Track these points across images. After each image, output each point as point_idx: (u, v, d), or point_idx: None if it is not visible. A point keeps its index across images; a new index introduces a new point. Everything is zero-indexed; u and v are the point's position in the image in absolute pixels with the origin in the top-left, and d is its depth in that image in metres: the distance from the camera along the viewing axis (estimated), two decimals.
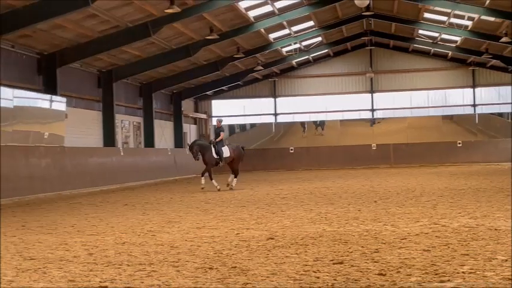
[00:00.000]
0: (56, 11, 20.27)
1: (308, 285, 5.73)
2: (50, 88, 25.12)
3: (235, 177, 22.02)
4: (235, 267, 6.77)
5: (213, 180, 21.16)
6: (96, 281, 6.28)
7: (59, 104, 25.40)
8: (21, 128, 22.87)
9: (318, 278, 6.05)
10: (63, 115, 25.67)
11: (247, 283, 5.92)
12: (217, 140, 21.95)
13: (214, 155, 21.43)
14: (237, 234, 9.61)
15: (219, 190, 20.68)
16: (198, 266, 6.92)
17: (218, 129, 22.60)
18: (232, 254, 7.66)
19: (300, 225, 10.50)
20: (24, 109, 23.18)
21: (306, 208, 13.57)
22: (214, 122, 45.27)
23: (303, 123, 44.74)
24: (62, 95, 25.61)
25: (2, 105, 21.85)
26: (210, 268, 6.76)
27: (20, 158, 21.16)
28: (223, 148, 21.65)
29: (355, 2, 26.68)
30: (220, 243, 8.69)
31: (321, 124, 44.54)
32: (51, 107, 25.01)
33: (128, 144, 34.33)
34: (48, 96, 24.78)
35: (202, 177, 21.57)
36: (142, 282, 6.15)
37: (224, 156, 21.58)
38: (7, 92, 22.25)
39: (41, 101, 24.46)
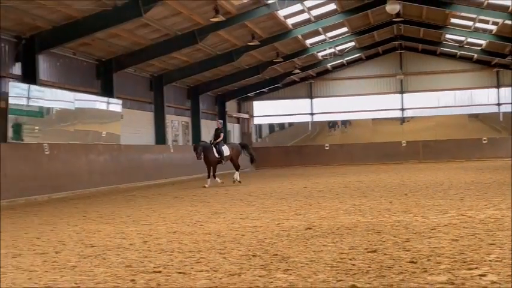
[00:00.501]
0: (112, 21, 20.52)
1: (344, 272, 5.69)
2: (107, 91, 25.46)
3: (237, 170, 22.14)
4: (276, 254, 6.77)
5: (217, 178, 21.45)
6: (151, 267, 6.34)
7: (115, 105, 25.72)
8: (82, 127, 23.25)
9: (354, 265, 6.01)
10: (119, 116, 25.99)
11: (288, 269, 5.91)
12: (217, 140, 21.71)
13: (216, 155, 21.42)
14: (278, 224, 9.60)
15: (222, 182, 21.44)
16: (242, 254, 6.93)
17: (218, 131, 22.14)
18: (274, 243, 7.65)
19: (336, 216, 10.44)
20: (84, 110, 23.54)
21: (341, 200, 13.49)
22: (255, 121, 45.53)
23: (330, 122, 44.51)
24: (117, 98, 25.94)
25: (65, 107, 22.22)
26: (253, 255, 6.77)
27: (80, 155, 21.50)
28: (223, 147, 21.71)
29: (386, 9, 26.41)
30: (263, 232, 8.68)
31: (344, 123, 44.35)
32: (108, 108, 25.34)
33: (177, 142, 34.57)
34: (105, 99, 25.11)
35: (209, 179, 21.32)
36: (192, 268, 6.19)
37: (225, 154, 21.66)
38: (69, 95, 22.63)
39: (99, 103, 24.80)
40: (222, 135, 22.01)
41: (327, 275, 5.61)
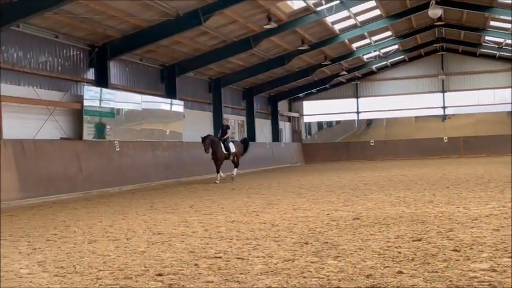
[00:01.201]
0: (175, 29, 20.78)
1: (391, 259, 5.61)
2: (170, 93, 25.82)
3: (236, 167, 21.61)
4: (327, 242, 6.73)
5: (220, 173, 20.40)
6: (212, 253, 6.39)
7: (178, 106, 26.05)
8: (148, 126, 23.64)
9: (400, 252, 5.92)
10: (181, 115, 26.32)
11: (338, 256, 5.87)
12: (224, 137, 20.66)
13: (224, 151, 20.43)
14: (327, 214, 9.54)
15: (219, 181, 20.00)
16: (295, 241, 6.92)
17: (225, 127, 21.01)
18: (324, 232, 7.61)
19: (382, 207, 10.31)
20: (150, 111, 23.93)
21: (386, 193, 13.30)
22: (305, 119, 45.38)
23: (367, 121, 44.00)
24: (180, 99, 26.27)
25: (133, 108, 22.64)
26: (305, 243, 6.75)
27: (147, 151, 21.86)
28: (229, 144, 20.87)
29: (429, 13, 25.86)
30: (313, 222, 8.65)
31: (369, 123, 43.81)
32: (171, 109, 25.68)
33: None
34: (169, 100, 25.47)
35: (218, 174, 20.38)
36: (250, 254, 6.21)
37: (231, 151, 20.83)
38: (137, 97, 23.04)
39: (163, 104, 25.17)
40: (229, 131, 21.21)
41: (374, 261, 5.55)
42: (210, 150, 19.82)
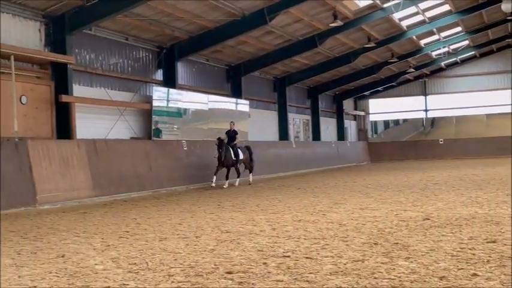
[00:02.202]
0: (241, 29, 20.94)
1: (465, 261, 5.46)
2: (236, 93, 26.06)
3: (251, 172, 20.22)
4: (397, 243, 6.62)
5: (227, 182, 18.63)
6: (280, 252, 6.40)
7: (243, 105, 26.25)
8: (214, 126, 23.92)
9: (474, 254, 5.75)
10: (246, 115, 26.51)
11: (409, 257, 5.76)
12: (234, 142, 19.09)
13: (233, 156, 18.87)
14: (396, 215, 9.38)
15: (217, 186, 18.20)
16: (364, 241, 6.84)
17: (233, 132, 19.22)
18: (394, 232, 7.48)
19: (453, 207, 10.04)
20: (216, 111, 24.21)
21: (457, 193, 12.95)
22: (371, 118, 44.71)
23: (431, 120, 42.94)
24: (245, 99, 26.46)
25: (199, 108, 22.96)
26: (375, 243, 6.66)
27: (213, 150, 22.07)
28: (238, 150, 19.23)
29: (502, 7, 24.97)
30: (382, 222, 8.52)
31: (432, 122, 42.66)
32: (237, 108, 25.90)
33: (298, 138, 34.71)
34: (234, 100, 25.70)
35: (227, 181, 18.69)
36: (318, 254, 6.18)
37: (240, 158, 19.24)
38: (203, 97, 23.37)
39: (229, 103, 25.41)
40: (237, 137, 19.42)
41: (447, 263, 5.41)
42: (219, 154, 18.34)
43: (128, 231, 8.69)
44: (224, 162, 18.52)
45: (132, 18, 18.29)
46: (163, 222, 9.76)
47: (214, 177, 18.24)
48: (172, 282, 5.16)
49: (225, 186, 18.18)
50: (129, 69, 20.05)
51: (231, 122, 19.73)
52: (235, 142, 19.15)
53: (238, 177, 19.39)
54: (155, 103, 20.12)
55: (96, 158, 15.60)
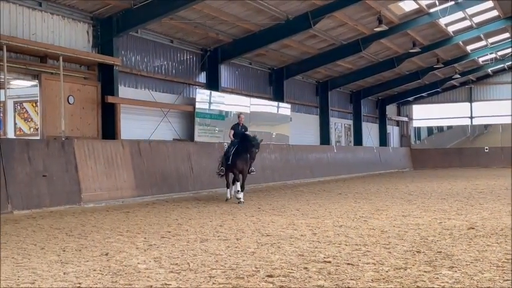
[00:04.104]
0: (284, 33, 20.93)
1: (510, 272, 5.34)
2: (278, 96, 26.09)
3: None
4: (440, 252, 6.52)
5: (229, 190, 14.92)
6: (321, 257, 6.38)
7: (285, 109, 26.24)
8: (255, 129, 23.89)
9: None
10: (288, 118, 26.49)
11: (453, 266, 5.67)
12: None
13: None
14: (440, 223, 9.23)
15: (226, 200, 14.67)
16: (406, 249, 6.75)
17: (243, 128, 14.75)
18: (437, 241, 7.37)
19: (499, 217, 9.82)
20: (258, 114, 24.26)
21: (503, 202, 12.65)
22: (414, 124, 43.88)
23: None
24: (287, 102, 26.46)
25: (242, 110, 23.05)
26: (417, 251, 6.57)
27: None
28: None
29: None
30: (425, 230, 8.40)
31: (486, 127, 41.63)
32: (278, 111, 25.91)
33: (340, 143, 34.49)
34: (276, 103, 25.72)
35: (229, 188, 14.94)
36: (360, 260, 6.14)
37: None
38: (246, 100, 23.47)
39: (270, 107, 25.44)
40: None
41: (492, 274, 5.30)
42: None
43: (169, 232, 8.80)
44: (240, 167, 14.19)
45: (178, 21, 18.52)
46: (204, 223, 9.84)
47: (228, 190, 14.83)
48: (214, 283, 5.20)
49: (241, 199, 13.86)
50: (173, 71, 20.29)
51: (240, 114, 15.55)
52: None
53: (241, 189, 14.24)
54: (198, 105, 20.31)
55: (139, 159, 15.84)
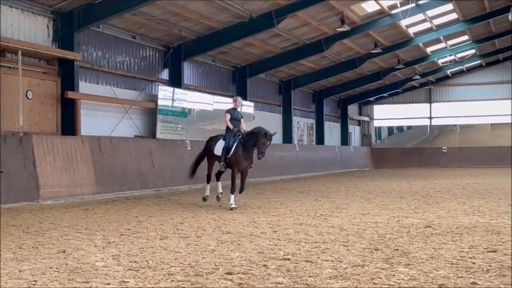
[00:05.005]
0: (248, 31, 20.94)
1: (465, 270, 5.46)
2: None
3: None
4: (397, 249, 6.63)
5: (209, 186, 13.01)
6: (281, 254, 6.41)
7: (248, 107, 26.24)
8: (219, 126, 23.88)
9: (474, 263, 5.76)
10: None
11: (409, 264, 5.77)
12: (244, 129, 12.37)
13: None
14: (398, 221, 9.38)
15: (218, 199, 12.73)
16: (364, 247, 6.84)
17: (239, 114, 12.72)
18: (395, 238, 7.49)
19: (455, 216, 10.04)
20: (221, 111, 24.14)
21: (460, 201, 12.94)
22: (375, 124, 44.45)
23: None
24: (250, 100, 26.47)
25: (204, 108, 22.98)
26: (375, 249, 6.67)
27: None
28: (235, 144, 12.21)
29: (509, 17, 24.91)
30: (383, 228, 8.53)
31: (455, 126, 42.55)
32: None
33: (302, 142, 34.69)
34: None
35: (210, 184, 13.03)
36: (319, 257, 6.19)
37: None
38: (209, 97, 23.39)
39: None
40: (243, 122, 12.67)
41: (447, 271, 5.42)
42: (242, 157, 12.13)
43: (129, 229, 8.71)
44: (245, 164, 12.18)
45: (140, 17, 18.34)
46: (164, 221, 9.78)
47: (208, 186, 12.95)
48: (172, 281, 5.17)
49: (233, 206, 11.77)
50: (136, 67, 20.09)
51: (236, 98, 13.05)
52: (240, 129, 12.36)
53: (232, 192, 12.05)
54: (160, 102, 20.16)
55: (99, 155, 15.63)
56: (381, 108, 44.64)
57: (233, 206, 11.70)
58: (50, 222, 9.73)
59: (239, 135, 12.18)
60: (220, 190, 12.71)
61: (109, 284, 5.11)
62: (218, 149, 12.44)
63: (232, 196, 11.84)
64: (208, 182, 12.96)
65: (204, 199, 12.87)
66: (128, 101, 19.31)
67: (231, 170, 12.22)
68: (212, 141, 12.90)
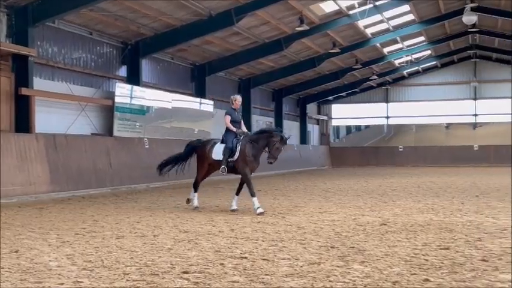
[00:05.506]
0: (207, 29, 20.82)
1: (418, 266, 5.58)
2: (200, 93, 25.96)
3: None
4: (353, 247, 6.71)
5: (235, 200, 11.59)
6: (238, 253, 6.42)
7: (207, 105, 26.17)
8: (177, 125, 23.78)
9: (427, 260, 5.88)
10: (210, 115, 26.44)
11: (364, 261, 5.85)
12: (240, 131, 11.45)
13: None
14: (354, 219, 9.51)
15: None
16: (321, 245, 6.91)
17: (240, 114, 11.90)
18: (351, 236, 7.58)
19: (410, 214, 10.23)
20: (180, 109, 24.06)
21: (415, 199, 13.19)
22: (333, 122, 44.85)
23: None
24: (209, 98, 26.39)
25: (163, 106, 22.79)
26: (331, 247, 6.74)
27: (175, 149, 21.91)
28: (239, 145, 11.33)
29: (463, 20, 25.52)
30: (340, 226, 8.63)
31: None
32: (200, 108, 25.80)
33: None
34: (198, 99, 25.60)
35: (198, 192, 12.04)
36: (275, 255, 6.23)
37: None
38: (167, 95, 23.21)
39: (193, 103, 25.30)
40: (242, 123, 11.88)
41: (401, 268, 5.51)
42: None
43: (84, 228, 8.58)
44: (254, 165, 11.37)
45: (97, 12, 18.06)
46: (121, 220, 9.67)
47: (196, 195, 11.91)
48: (127, 280, 5.12)
49: (259, 210, 10.56)
50: (93, 64, 19.77)
51: (236, 97, 11.92)
52: (242, 131, 11.52)
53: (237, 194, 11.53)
54: (118, 99, 19.89)
55: (55, 153, 15.34)
56: (339, 108, 45.11)
57: (260, 210, 10.42)
58: (3, 221, 9.51)
59: (243, 136, 11.23)
60: (196, 203, 11.62)
61: (62, 284, 5.02)
62: (217, 152, 11.33)
63: (255, 199, 10.69)
64: (196, 190, 11.83)
65: (197, 207, 11.59)
66: (84, 98, 18.99)
67: (236, 173, 11.32)
68: (205, 146, 11.77)
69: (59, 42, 18.17)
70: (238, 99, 11.79)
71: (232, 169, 11.24)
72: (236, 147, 11.13)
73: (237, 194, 11.37)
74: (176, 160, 12.48)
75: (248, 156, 11.06)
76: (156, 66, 23.53)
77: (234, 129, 11.33)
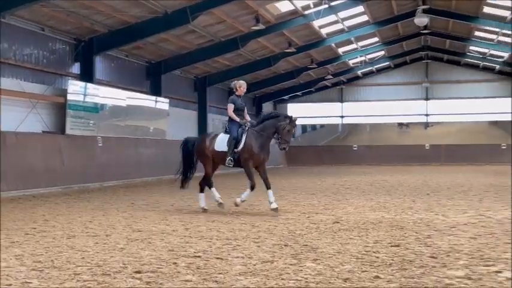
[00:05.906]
0: (162, 27, 20.65)
1: (369, 264, 5.67)
2: (155, 91, 25.73)
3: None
4: (306, 245, 6.77)
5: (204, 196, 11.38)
6: (191, 252, 6.40)
7: (163, 104, 25.96)
8: (132, 123, 23.52)
9: (378, 257, 5.98)
10: (165, 113, 26.24)
11: (317, 259, 5.91)
12: (244, 121, 10.88)
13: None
14: (308, 217, 9.59)
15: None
16: (275, 243, 6.95)
17: (243, 102, 11.29)
18: (304, 234, 7.65)
19: (362, 212, 10.39)
20: (135, 108, 23.80)
21: (367, 198, 13.39)
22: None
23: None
24: (165, 97, 26.18)
25: (117, 104, 22.49)
26: (285, 245, 6.78)
27: (130, 147, 21.78)
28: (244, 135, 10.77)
29: (415, 21, 26.06)
30: (294, 224, 8.69)
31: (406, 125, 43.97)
32: (156, 106, 25.57)
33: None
34: (153, 98, 25.37)
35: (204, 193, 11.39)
36: (229, 254, 6.23)
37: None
38: (122, 93, 22.92)
39: (148, 101, 25.06)
40: (246, 111, 11.32)
41: (352, 265, 5.60)
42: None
43: (35, 228, 8.41)
44: (265, 158, 10.87)
45: (49, 8, 17.67)
46: (73, 219, 9.51)
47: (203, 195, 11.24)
48: (78, 281, 5.04)
49: (273, 205, 10.34)
50: (44, 60, 19.34)
51: (240, 83, 11.19)
52: (245, 121, 10.93)
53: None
54: (70, 97, 19.50)
55: (4, 151, 14.95)
56: (295, 107, 45.34)
57: (274, 205, 10.07)
58: None
59: (247, 126, 10.62)
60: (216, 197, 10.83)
61: (11, 285, 4.91)
62: (220, 144, 10.75)
63: (270, 192, 10.21)
64: (202, 190, 11.07)
65: (204, 209, 10.80)
66: (35, 95, 18.56)
67: (241, 167, 10.69)
68: (203, 140, 11.24)
69: (10, 38, 17.69)
70: (243, 85, 11.06)
71: (238, 161, 10.60)
72: (241, 137, 10.56)
73: (268, 188, 10.46)
74: (186, 169, 11.90)
75: (253, 148, 10.45)
76: (110, 64, 23.20)
77: (238, 119, 10.73)
